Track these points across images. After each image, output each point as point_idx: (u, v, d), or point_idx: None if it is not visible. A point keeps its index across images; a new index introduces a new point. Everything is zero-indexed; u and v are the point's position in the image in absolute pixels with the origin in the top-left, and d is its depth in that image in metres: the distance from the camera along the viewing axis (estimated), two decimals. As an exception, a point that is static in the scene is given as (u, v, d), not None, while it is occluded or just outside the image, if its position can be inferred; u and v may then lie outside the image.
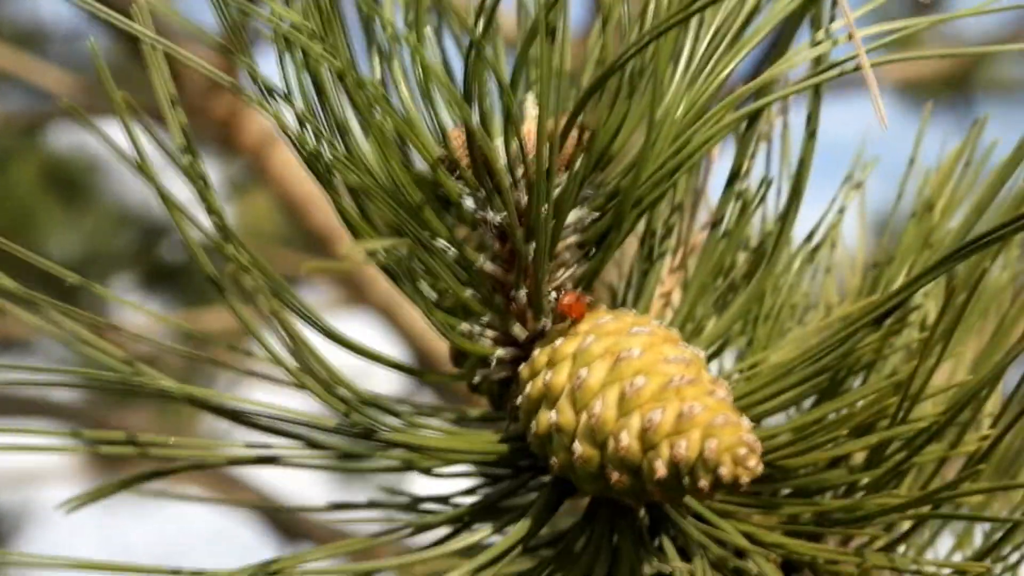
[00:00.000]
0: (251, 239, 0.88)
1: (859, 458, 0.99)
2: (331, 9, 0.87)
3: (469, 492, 1.03)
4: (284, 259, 3.61)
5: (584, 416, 0.89)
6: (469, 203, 0.93)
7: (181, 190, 0.90)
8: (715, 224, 1.03)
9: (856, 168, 1.15)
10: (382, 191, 0.89)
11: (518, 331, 0.95)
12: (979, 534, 1.13)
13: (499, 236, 0.93)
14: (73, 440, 0.93)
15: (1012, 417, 0.92)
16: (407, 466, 0.96)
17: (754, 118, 1.02)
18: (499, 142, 0.91)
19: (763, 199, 1.05)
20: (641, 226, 1.06)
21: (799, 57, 0.96)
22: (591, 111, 0.92)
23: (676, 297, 1.06)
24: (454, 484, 1.04)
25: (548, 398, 0.91)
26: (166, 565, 0.90)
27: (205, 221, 0.89)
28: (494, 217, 0.92)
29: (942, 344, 0.89)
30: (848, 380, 1.01)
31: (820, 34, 0.96)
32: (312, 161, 0.89)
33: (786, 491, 1.00)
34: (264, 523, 3.79)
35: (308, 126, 0.89)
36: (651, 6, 0.94)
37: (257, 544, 3.82)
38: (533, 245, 0.91)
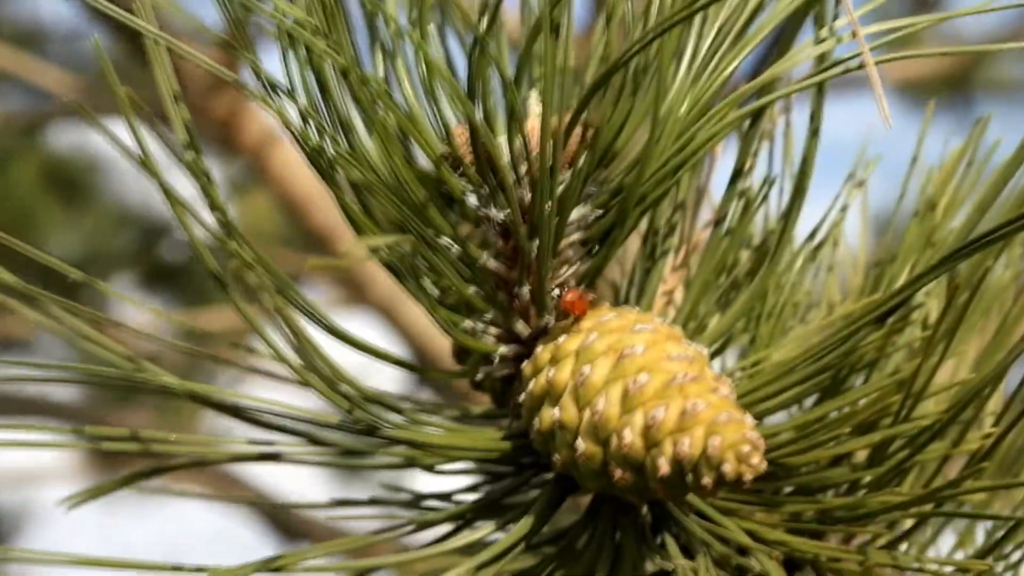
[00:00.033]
0: (251, 239, 0.88)
1: (861, 456, 0.99)
2: (334, 5, 0.87)
3: (471, 489, 1.03)
4: (284, 259, 3.61)
5: (587, 413, 0.89)
6: (472, 200, 0.93)
7: (184, 188, 0.90)
8: (718, 222, 1.03)
9: (858, 167, 1.15)
10: (385, 188, 0.89)
11: (521, 328, 0.95)
12: (981, 533, 1.13)
13: (502, 233, 0.93)
14: (75, 436, 0.93)
15: (1014, 416, 0.92)
16: (409, 463, 0.96)
17: (757, 116, 1.03)
18: (503, 139, 0.91)
19: (766, 197, 1.05)
20: (644, 224, 1.06)
21: (802, 55, 0.96)
22: (595, 108, 0.92)
23: (679, 295, 1.06)
24: (456, 481, 1.04)
25: (551, 395, 0.91)
26: (168, 561, 0.90)
27: (208, 218, 0.89)
28: (497, 214, 0.92)
29: (945, 342, 0.89)
30: (850, 378, 1.01)
31: (824, 32, 0.96)
32: (315, 157, 0.89)
33: (788, 489, 1.00)
34: (264, 523, 3.79)
35: (311, 122, 0.89)
36: (655, 3, 0.94)
37: (257, 544, 3.82)
38: (536, 242, 0.91)
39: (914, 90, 4.61)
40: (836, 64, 0.95)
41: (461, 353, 1.02)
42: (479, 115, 0.88)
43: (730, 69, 0.95)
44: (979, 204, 1.00)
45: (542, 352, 0.93)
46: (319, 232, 3.06)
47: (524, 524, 0.94)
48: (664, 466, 0.86)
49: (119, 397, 4.29)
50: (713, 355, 1.02)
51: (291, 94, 0.88)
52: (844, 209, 1.13)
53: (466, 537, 0.96)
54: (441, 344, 2.89)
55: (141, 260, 4.82)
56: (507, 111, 0.89)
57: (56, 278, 0.92)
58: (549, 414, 0.91)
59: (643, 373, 0.88)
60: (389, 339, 3.14)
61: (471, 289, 0.94)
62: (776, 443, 0.95)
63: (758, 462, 0.85)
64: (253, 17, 0.88)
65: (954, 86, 4.95)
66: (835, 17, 0.96)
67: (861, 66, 0.91)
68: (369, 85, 0.87)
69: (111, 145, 0.88)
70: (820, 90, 1.01)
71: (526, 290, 0.93)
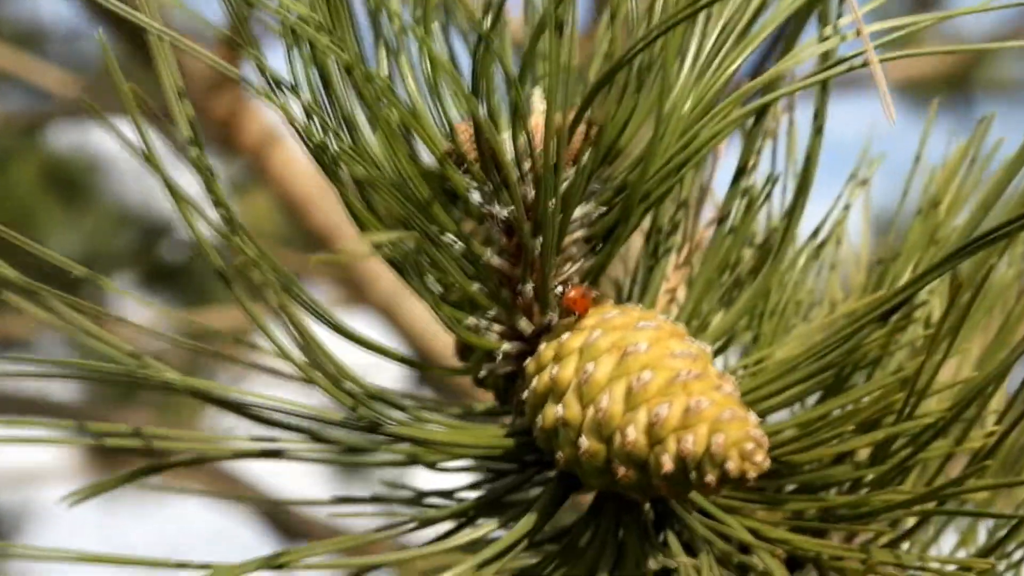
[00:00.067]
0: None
1: (864, 454, 0.99)
2: (338, 1, 0.87)
3: (474, 487, 1.03)
4: (284, 259, 3.61)
5: (591, 410, 0.89)
6: (476, 197, 0.93)
7: (187, 186, 0.90)
8: (721, 220, 1.03)
9: (861, 165, 1.15)
10: (389, 184, 0.89)
11: (524, 325, 0.95)
12: (983, 531, 1.13)
13: (506, 230, 0.93)
14: (76, 433, 0.93)
15: (1017, 414, 0.92)
16: (412, 460, 0.95)
17: (761, 114, 1.03)
18: (506, 136, 0.91)
19: (769, 195, 1.05)
20: (647, 222, 1.06)
21: (806, 53, 0.96)
22: (599, 105, 0.92)
23: (681, 293, 1.06)
24: (458, 479, 1.04)
25: (554, 392, 0.91)
26: (172, 558, 0.90)
27: (212, 214, 0.89)
28: (501, 211, 0.92)
29: (948, 341, 0.89)
30: (853, 376, 1.01)
31: (827, 30, 0.96)
32: (319, 153, 0.89)
33: (791, 487, 1.00)
34: (264, 523, 3.79)
35: (315, 118, 0.89)
36: (659, 1, 0.94)
37: (257, 544, 3.82)
38: (540, 239, 0.91)
39: (914, 90, 4.61)
40: (840, 62, 0.95)
41: (464, 350, 1.02)
42: (483, 112, 0.88)
43: (734, 67, 0.95)
44: (982, 202, 1.00)
45: (545, 349, 0.93)
46: (319, 232, 3.06)
47: (526, 522, 0.94)
48: (668, 463, 0.86)
49: (120, 395, 4.29)
50: (716, 353, 1.02)
51: (295, 90, 0.88)
52: (847, 207, 1.13)
53: (468, 535, 0.96)
54: (441, 344, 2.89)
55: (141, 260, 4.83)
56: (511, 108, 0.89)
57: (57, 277, 0.92)
58: (552, 411, 0.91)
59: (647, 370, 0.88)
60: (389, 339, 3.14)
61: (474, 286, 0.94)
62: (779, 441, 0.95)
63: (762, 460, 0.85)
64: (256, 13, 0.88)
65: (954, 86, 4.95)
66: (839, 15, 0.96)
67: (865, 64, 0.91)
68: (373, 81, 0.87)
69: (115, 141, 0.88)
70: (824, 88, 1.01)
71: (529, 287, 0.93)
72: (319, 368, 0.88)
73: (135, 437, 0.93)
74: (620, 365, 0.89)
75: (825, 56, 0.96)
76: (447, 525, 0.98)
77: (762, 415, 0.95)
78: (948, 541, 1.13)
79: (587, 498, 0.98)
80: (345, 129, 0.90)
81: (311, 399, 0.96)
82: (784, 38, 0.98)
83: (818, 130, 1.01)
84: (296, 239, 4.00)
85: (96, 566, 0.89)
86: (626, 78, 0.94)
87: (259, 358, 0.96)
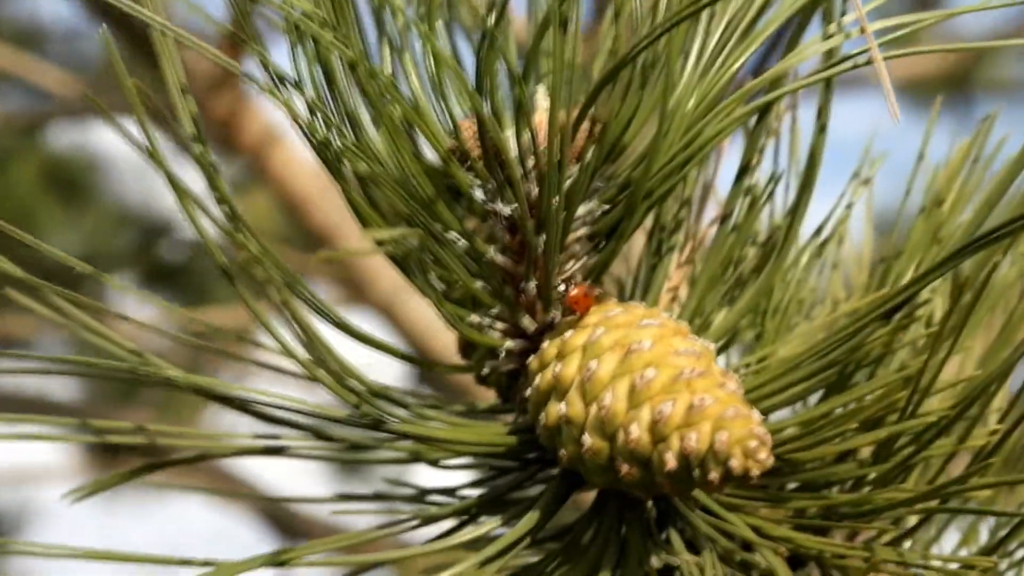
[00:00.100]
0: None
1: (867, 452, 0.98)
2: (342, -2, 0.87)
3: (476, 484, 1.03)
4: (285, 258, 3.61)
5: (594, 408, 0.89)
6: (480, 194, 0.93)
7: (189, 183, 0.90)
8: (724, 218, 1.03)
9: (864, 164, 1.15)
10: (392, 181, 0.89)
11: (527, 323, 0.95)
12: (985, 530, 1.13)
13: (509, 228, 0.93)
14: (78, 430, 0.93)
15: (1020, 412, 0.92)
16: (415, 458, 0.95)
17: (764, 112, 1.02)
18: (510, 133, 0.91)
19: (772, 194, 1.05)
20: (649, 220, 1.06)
21: (810, 51, 0.96)
22: (602, 103, 0.92)
23: (684, 291, 1.06)
24: (460, 476, 1.04)
25: (557, 390, 0.91)
26: (175, 556, 0.90)
27: (215, 211, 0.89)
28: (504, 209, 0.92)
29: (950, 339, 0.89)
30: (856, 374, 1.01)
31: (831, 28, 0.96)
32: (322, 150, 0.89)
33: (793, 485, 1.00)
34: (265, 522, 3.78)
35: (318, 114, 0.88)
36: (663, -1, 0.94)
37: (258, 544, 3.82)
38: (543, 237, 0.91)
39: (915, 89, 4.61)
40: (844, 60, 0.95)
41: (467, 348, 1.02)
42: (487, 109, 0.88)
43: (737, 65, 0.95)
44: (985, 201, 1.00)
45: (548, 347, 0.93)
46: (319, 232, 3.06)
47: (529, 519, 0.93)
48: (671, 461, 0.86)
49: (121, 394, 4.29)
50: (719, 351, 1.01)
51: (298, 86, 0.88)
52: (849, 206, 1.13)
53: (470, 532, 0.96)
54: (441, 344, 2.89)
55: (141, 260, 4.82)
56: (515, 105, 0.88)
57: (58, 276, 0.92)
58: (555, 409, 0.91)
59: (650, 368, 0.88)
60: (389, 339, 3.14)
61: (478, 283, 0.93)
62: (781, 439, 0.95)
63: (765, 457, 0.85)
64: (259, 9, 0.88)
65: (955, 85, 4.95)
66: (843, 13, 0.96)
67: (869, 62, 0.91)
68: (377, 78, 0.87)
69: (116, 140, 0.88)
70: (827, 86, 1.01)
71: (533, 285, 0.93)
72: (323, 365, 0.88)
73: (137, 434, 0.93)
74: (623, 363, 0.89)
75: (829, 54, 0.96)
76: (449, 523, 0.98)
77: (765, 413, 0.95)
78: (950, 539, 1.13)
79: (589, 496, 0.98)
80: (348, 126, 0.90)
81: (313, 396, 0.96)
82: (787, 36, 0.98)
83: (822, 128, 1.01)
84: (296, 239, 4.00)
85: (99, 563, 0.89)
86: (630, 76, 0.94)
87: (262, 355, 0.96)
